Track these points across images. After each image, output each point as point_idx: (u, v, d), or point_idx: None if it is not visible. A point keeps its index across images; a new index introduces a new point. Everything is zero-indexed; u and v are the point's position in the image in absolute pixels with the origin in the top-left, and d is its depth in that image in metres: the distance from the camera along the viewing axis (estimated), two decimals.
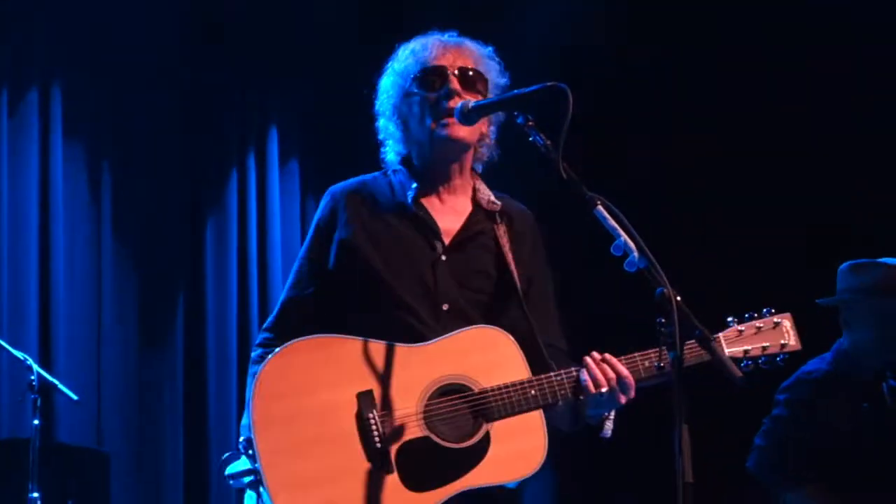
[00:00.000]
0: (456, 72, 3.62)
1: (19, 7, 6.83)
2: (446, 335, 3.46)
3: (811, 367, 5.35)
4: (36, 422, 5.38)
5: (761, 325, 3.65)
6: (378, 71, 3.80)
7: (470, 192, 3.72)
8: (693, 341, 3.27)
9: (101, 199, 7.11)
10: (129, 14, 7.06)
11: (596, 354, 3.49)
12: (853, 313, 5.32)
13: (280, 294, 3.74)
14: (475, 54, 3.70)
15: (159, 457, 7.08)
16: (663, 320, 3.21)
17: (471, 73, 3.63)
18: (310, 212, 7.58)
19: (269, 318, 3.70)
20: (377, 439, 3.31)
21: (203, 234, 7.35)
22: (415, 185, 3.65)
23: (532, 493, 7.12)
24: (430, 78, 3.65)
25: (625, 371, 3.47)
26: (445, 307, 3.53)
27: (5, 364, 6.49)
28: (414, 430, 3.34)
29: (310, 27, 7.58)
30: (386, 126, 3.76)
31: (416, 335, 3.46)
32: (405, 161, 3.73)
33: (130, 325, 7.16)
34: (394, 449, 3.31)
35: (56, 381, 5.51)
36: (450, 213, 3.68)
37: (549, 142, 3.33)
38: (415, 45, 3.74)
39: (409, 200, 3.63)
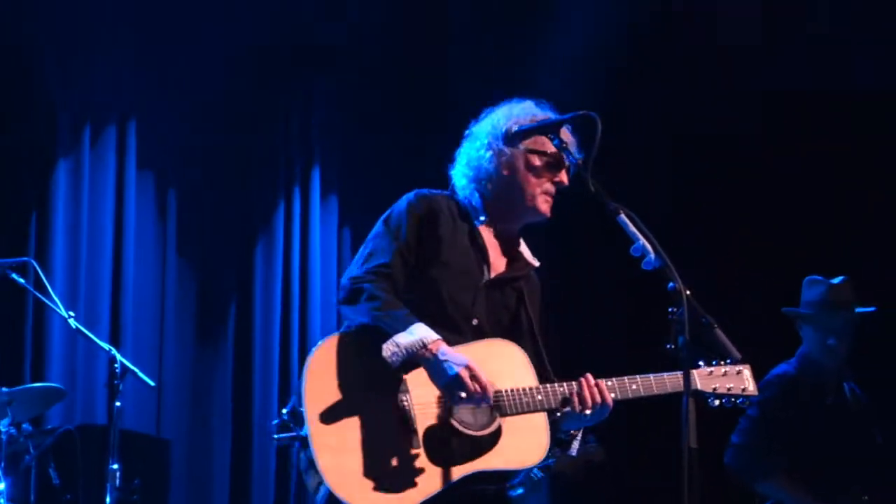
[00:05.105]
0: (568, 168, 3.67)
1: (104, 51, 6.90)
2: (471, 343, 3.53)
3: (780, 370, 5.43)
4: (118, 404, 5.37)
5: (727, 370, 3.68)
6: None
7: (513, 241, 3.77)
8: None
9: (167, 223, 7.17)
10: (195, 63, 7.11)
11: (590, 377, 3.55)
12: (805, 324, 5.44)
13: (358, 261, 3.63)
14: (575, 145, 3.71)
15: (209, 443, 7.10)
16: (674, 309, 3.28)
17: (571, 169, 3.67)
18: (346, 241, 7.71)
19: (373, 266, 3.54)
20: (409, 420, 3.37)
21: (253, 256, 7.38)
22: (483, 217, 3.70)
23: None
24: (555, 160, 3.66)
25: (609, 398, 3.53)
26: (475, 322, 3.59)
27: (81, 359, 6.58)
28: (440, 416, 3.42)
29: (348, 80, 7.63)
30: (479, 155, 3.73)
31: (447, 334, 3.48)
32: (481, 192, 3.72)
33: (188, 330, 7.20)
34: (422, 429, 3.38)
35: (136, 369, 5.45)
36: (497, 250, 3.72)
37: (580, 160, 3.50)
38: (549, 110, 3.73)
39: (477, 224, 3.68)
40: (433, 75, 7.49)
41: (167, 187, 7.20)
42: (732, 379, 3.68)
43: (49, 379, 6.34)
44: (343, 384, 3.39)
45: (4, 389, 5.53)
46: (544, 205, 3.68)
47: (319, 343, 3.46)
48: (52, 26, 6.73)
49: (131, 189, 6.98)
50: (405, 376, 3.42)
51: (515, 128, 3.63)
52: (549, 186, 3.67)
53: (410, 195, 3.68)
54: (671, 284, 3.15)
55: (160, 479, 6.53)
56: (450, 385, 3.37)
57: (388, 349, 3.36)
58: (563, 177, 3.68)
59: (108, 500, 5.33)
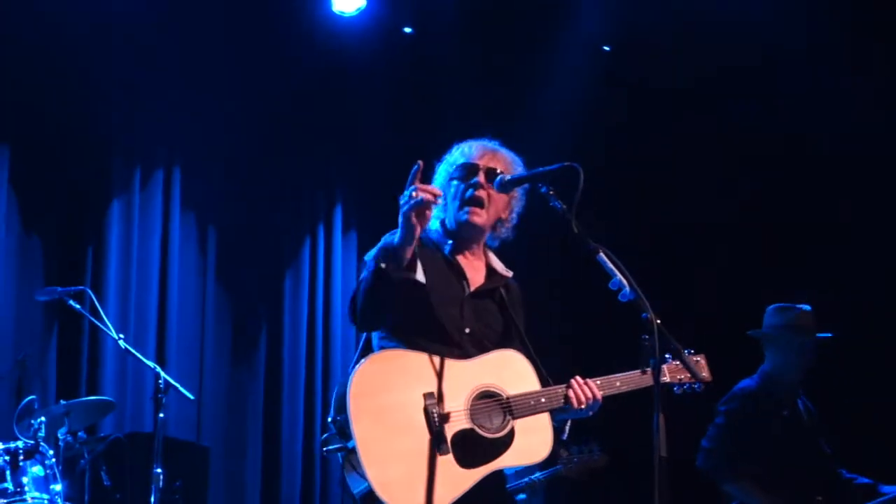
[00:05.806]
0: (485, 170, 3.77)
1: (153, 106, 7.11)
2: (482, 355, 3.65)
3: (743, 384, 5.58)
4: (161, 415, 5.57)
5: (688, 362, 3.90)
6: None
7: (483, 257, 3.89)
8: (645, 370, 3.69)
9: (207, 256, 7.41)
10: (232, 116, 7.31)
11: (580, 378, 3.72)
12: (771, 344, 5.59)
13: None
14: (505, 159, 3.82)
15: (243, 450, 7.31)
16: (646, 336, 3.38)
17: (497, 172, 3.75)
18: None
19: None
20: (438, 429, 3.47)
21: (283, 284, 7.62)
22: (450, 242, 3.82)
23: None
24: (465, 170, 3.81)
25: (599, 395, 3.70)
26: (467, 331, 3.71)
27: (130, 375, 6.79)
28: (463, 423, 3.52)
29: (366, 133, 7.80)
30: None
31: (446, 346, 3.61)
32: (442, 224, 3.86)
33: (224, 351, 7.40)
34: (449, 436, 3.48)
35: (178, 385, 5.71)
36: (471, 267, 3.84)
37: (564, 205, 3.51)
38: (465, 145, 3.89)
39: (447, 252, 3.81)
40: (440, 120, 7.62)
41: (207, 225, 7.44)
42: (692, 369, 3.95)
43: (102, 392, 6.53)
44: (382, 402, 3.47)
45: (63, 402, 5.78)
46: (465, 215, 3.77)
47: (358, 367, 3.49)
48: (110, 83, 6.95)
49: (176, 226, 7.21)
50: (432, 389, 3.50)
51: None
52: (464, 191, 3.77)
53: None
54: (644, 314, 3.26)
55: (200, 481, 6.70)
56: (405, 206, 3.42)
57: (381, 262, 3.45)
58: (481, 178, 3.76)
59: (152, 500, 5.52)
